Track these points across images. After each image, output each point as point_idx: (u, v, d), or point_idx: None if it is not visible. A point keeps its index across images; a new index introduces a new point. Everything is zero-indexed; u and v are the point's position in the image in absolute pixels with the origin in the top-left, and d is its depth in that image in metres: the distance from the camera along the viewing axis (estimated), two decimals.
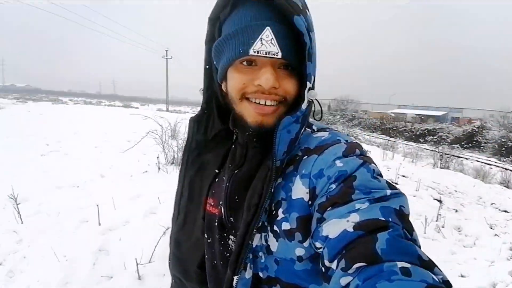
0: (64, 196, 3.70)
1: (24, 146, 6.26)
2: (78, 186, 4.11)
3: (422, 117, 39.63)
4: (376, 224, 0.43)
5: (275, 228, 0.56)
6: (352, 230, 0.43)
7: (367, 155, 0.56)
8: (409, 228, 0.45)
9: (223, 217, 0.63)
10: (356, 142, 0.58)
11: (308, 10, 0.55)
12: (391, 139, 19.63)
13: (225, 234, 0.64)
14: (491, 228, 4.30)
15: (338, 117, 28.10)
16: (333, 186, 0.50)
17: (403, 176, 6.86)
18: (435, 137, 23.16)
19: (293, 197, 0.55)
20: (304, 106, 0.55)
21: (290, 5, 0.51)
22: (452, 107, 48.62)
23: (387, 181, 0.51)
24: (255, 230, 0.55)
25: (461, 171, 9.75)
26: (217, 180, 0.68)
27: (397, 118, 38.27)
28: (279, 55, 0.51)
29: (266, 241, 0.57)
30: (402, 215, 0.45)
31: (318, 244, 0.48)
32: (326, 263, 0.45)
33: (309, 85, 0.54)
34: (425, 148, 15.68)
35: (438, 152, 11.08)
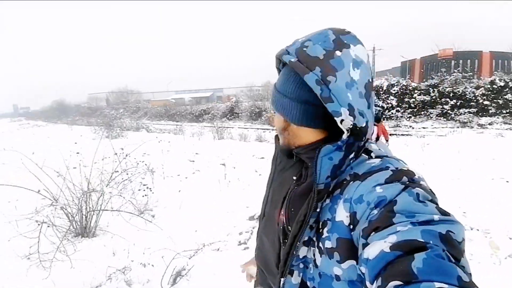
0: None
1: None
2: None
3: (197, 99, 45.73)
4: (414, 244, 0.43)
5: (320, 244, 0.63)
6: (389, 250, 0.44)
7: (420, 182, 0.55)
8: (456, 253, 0.43)
9: (285, 226, 0.72)
10: (408, 170, 0.57)
11: (338, 51, 0.61)
12: (178, 123, 22.92)
13: (286, 240, 0.71)
14: (256, 171, 6.47)
15: (121, 110, 28.15)
16: (375, 211, 0.51)
17: (197, 153, 8.55)
18: (209, 115, 27.86)
19: (336, 219, 0.60)
20: (344, 136, 0.61)
21: (305, 64, 0.60)
22: (216, 88, 59.12)
23: (438, 207, 0.50)
24: (298, 243, 0.66)
25: (231, 139, 12.74)
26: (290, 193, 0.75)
27: (178, 103, 41.93)
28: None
29: (314, 255, 0.65)
30: (448, 240, 0.44)
31: (362, 269, 0.48)
32: (368, 285, 0.46)
33: (338, 120, 0.59)
34: (205, 126, 18.50)
35: (214, 127, 13.75)
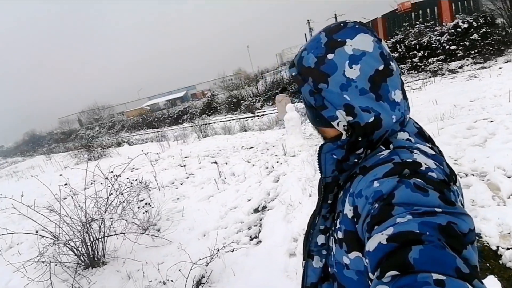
0: None
1: None
2: None
3: (171, 101, 44.84)
4: (409, 235, 0.43)
5: (335, 234, 0.66)
6: (386, 242, 0.44)
7: (428, 174, 0.52)
8: (456, 245, 0.42)
9: None
10: (413, 162, 0.54)
11: (330, 53, 0.60)
12: (158, 130, 22.62)
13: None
14: (248, 162, 6.49)
15: (97, 129, 27.50)
16: (376, 205, 0.52)
17: (186, 157, 8.46)
18: (188, 114, 27.29)
19: (344, 211, 0.62)
20: (343, 137, 0.64)
21: (302, 76, 0.64)
22: (188, 86, 57.40)
23: (443, 197, 0.48)
24: (312, 230, 0.74)
25: (216, 134, 12.59)
26: None
27: (153, 109, 41.25)
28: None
29: (332, 243, 0.68)
30: (448, 231, 0.43)
31: (366, 260, 0.49)
32: (370, 275, 0.47)
33: (335, 123, 0.63)
34: (186, 127, 18.52)
35: (196, 125, 13.84)
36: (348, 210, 0.60)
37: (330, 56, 0.60)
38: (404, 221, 0.45)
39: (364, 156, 0.64)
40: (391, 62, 0.61)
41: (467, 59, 14.57)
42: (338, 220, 0.64)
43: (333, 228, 0.68)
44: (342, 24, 0.62)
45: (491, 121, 5.07)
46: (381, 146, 0.63)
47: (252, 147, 8.04)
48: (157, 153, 6.30)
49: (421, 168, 0.53)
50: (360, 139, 0.62)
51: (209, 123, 15.02)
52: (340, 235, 0.63)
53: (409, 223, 0.44)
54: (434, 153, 0.60)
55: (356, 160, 0.65)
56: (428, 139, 0.67)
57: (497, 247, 2.30)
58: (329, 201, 0.70)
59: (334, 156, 0.65)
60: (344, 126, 0.62)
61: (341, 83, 0.60)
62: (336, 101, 0.61)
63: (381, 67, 0.60)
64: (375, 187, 0.53)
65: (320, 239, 0.74)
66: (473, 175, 3.47)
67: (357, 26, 0.62)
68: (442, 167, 0.56)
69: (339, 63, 0.59)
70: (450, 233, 0.43)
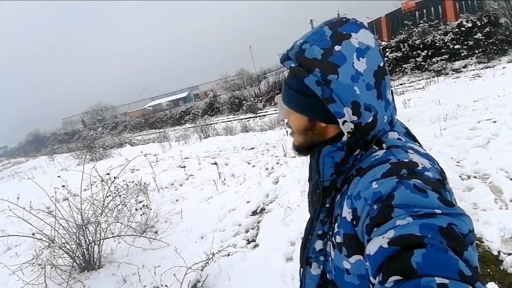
0: None
1: None
2: None
3: (174, 102, 45.87)
4: (411, 239, 0.42)
5: (333, 239, 0.64)
6: (387, 246, 0.43)
7: (424, 173, 0.52)
8: (457, 247, 0.41)
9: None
10: (409, 162, 0.54)
11: (337, 45, 0.58)
12: (160, 130, 22.86)
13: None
14: (249, 163, 6.48)
15: (100, 129, 27.87)
16: (375, 207, 0.50)
17: (186, 158, 8.45)
18: (190, 115, 27.65)
19: (342, 215, 0.60)
20: (344, 138, 0.61)
21: (305, 68, 0.60)
22: (191, 86, 58.34)
23: (441, 197, 0.47)
24: (311, 236, 0.72)
25: (217, 135, 12.57)
26: None
27: (156, 109, 41.95)
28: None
29: (330, 248, 0.66)
30: (448, 233, 0.42)
31: (367, 264, 0.48)
32: (371, 279, 0.46)
33: (340, 121, 0.59)
34: (188, 127, 18.72)
35: (198, 126, 13.78)
36: (346, 213, 0.58)
37: (337, 47, 0.58)
38: (404, 223, 0.44)
39: (359, 157, 0.63)
40: (385, 62, 0.62)
41: (471, 59, 14.47)
42: (336, 224, 0.62)
43: (330, 233, 0.66)
44: (344, 19, 0.62)
45: (494, 122, 5.00)
46: (374, 146, 0.62)
47: (252, 148, 8.01)
48: (155, 155, 6.28)
49: (418, 168, 0.53)
50: (359, 140, 0.62)
51: (211, 124, 15.06)
52: (339, 239, 0.61)
53: (410, 226, 0.43)
54: (425, 151, 0.60)
55: (353, 162, 0.64)
56: (415, 139, 0.67)
57: (499, 252, 2.24)
58: (327, 205, 0.67)
59: (333, 159, 0.64)
60: (351, 128, 0.59)
61: (351, 74, 0.58)
62: (346, 94, 0.58)
63: (381, 64, 0.60)
64: (374, 188, 0.52)
65: (318, 245, 0.72)
66: (475, 177, 3.40)
67: (358, 22, 0.62)
68: (436, 165, 0.56)
69: (348, 54, 0.58)
70: (451, 235, 0.42)
